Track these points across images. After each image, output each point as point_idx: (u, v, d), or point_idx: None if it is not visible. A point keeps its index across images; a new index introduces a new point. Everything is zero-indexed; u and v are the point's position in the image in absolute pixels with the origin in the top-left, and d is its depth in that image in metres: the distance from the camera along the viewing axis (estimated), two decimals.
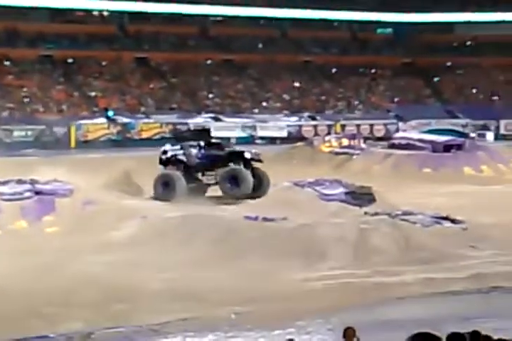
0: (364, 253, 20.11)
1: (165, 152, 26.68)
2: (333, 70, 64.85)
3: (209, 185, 26.61)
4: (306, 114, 58.23)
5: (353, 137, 44.87)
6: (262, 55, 63.26)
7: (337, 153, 39.96)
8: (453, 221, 23.51)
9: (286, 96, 61.54)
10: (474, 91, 64.89)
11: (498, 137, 57.21)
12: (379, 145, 42.97)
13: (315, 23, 65.96)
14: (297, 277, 18.20)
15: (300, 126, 56.08)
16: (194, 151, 26.49)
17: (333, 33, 67.03)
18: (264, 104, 60.10)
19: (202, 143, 26.65)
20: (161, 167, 26.67)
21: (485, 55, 65.11)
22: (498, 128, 59.40)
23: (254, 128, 55.29)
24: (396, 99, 62.82)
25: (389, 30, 71.23)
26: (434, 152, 37.83)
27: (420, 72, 66.09)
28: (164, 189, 25.56)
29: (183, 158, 26.46)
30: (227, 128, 54.05)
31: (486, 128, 58.61)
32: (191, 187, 25.89)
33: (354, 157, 38.81)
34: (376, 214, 23.21)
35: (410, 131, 49.79)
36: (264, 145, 49.04)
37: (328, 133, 51.25)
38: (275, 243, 20.23)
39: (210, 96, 60.03)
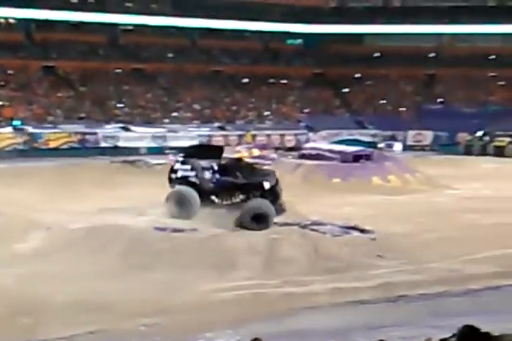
0: (274, 264, 20.10)
1: (174, 171, 24.76)
2: (244, 80, 65.05)
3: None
4: (216, 124, 58.20)
5: (263, 147, 45.02)
6: (173, 65, 63.06)
7: None
8: (361, 231, 23.75)
9: (196, 106, 61.41)
10: (383, 102, 65.94)
11: (405, 148, 58.19)
12: (289, 155, 43.24)
13: (226, 33, 66.09)
14: (207, 288, 18.05)
15: (211, 136, 55.99)
16: (208, 175, 24.47)
17: (244, 43, 67.28)
18: (175, 113, 59.82)
19: (215, 167, 24.54)
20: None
21: (393, 67, 66.31)
22: (405, 138, 60.45)
23: (164, 138, 54.94)
24: (306, 110, 63.35)
25: (299, 41, 71.87)
26: (344, 162, 38.15)
27: (330, 83, 66.88)
28: (179, 207, 23.62)
29: (195, 180, 24.38)
30: (136, 139, 53.55)
31: (393, 138, 59.56)
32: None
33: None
34: (286, 224, 23.28)
35: (320, 142, 50.17)
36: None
37: (239, 144, 51.28)
38: (185, 254, 20.04)
39: (120, 105, 59.45)
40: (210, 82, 63.39)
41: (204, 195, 23.97)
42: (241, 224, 23.22)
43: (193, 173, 24.28)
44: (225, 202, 24.22)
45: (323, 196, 31.74)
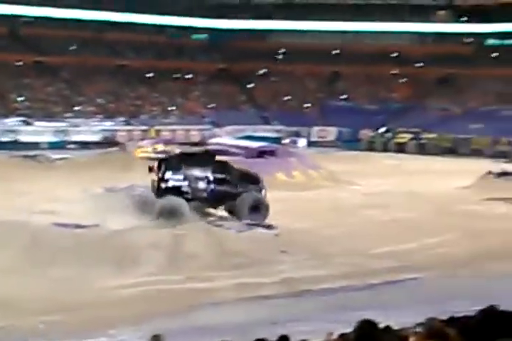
0: (178, 259, 20.00)
1: (165, 180, 23.95)
2: (149, 75, 64.49)
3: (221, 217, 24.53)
4: (120, 119, 57.54)
5: (168, 142, 44.72)
6: (75, 58, 62.00)
7: (152, 159, 39.57)
8: (265, 226, 23.84)
9: (100, 101, 60.58)
10: (287, 98, 66.35)
11: (309, 144, 58.70)
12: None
13: (131, 26, 65.37)
14: (110, 284, 17.82)
15: (114, 131, 55.33)
16: (202, 185, 24.18)
17: (148, 37, 66.64)
18: (77, 108, 58.88)
19: (211, 177, 24.36)
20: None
21: (297, 63, 66.77)
22: (309, 134, 60.97)
23: (66, 132, 54.02)
24: (211, 105, 63.25)
25: (204, 36, 71.69)
26: (248, 158, 38.17)
27: (235, 79, 66.93)
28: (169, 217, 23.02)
29: (187, 189, 24.02)
30: (37, 133, 52.49)
31: (298, 134, 60.01)
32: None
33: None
34: (191, 220, 23.16)
35: (225, 137, 50.17)
36: (76, 150, 47.99)
37: (143, 139, 50.81)
38: (87, 250, 19.73)
39: (20, 99, 58.18)
40: (114, 76, 62.67)
41: (197, 205, 23.85)
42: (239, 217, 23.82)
43: (185, 183, 23.93)
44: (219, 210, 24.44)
45: None
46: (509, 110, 58.46)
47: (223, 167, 25.03)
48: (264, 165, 37.37)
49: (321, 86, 68.07)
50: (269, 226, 23.85)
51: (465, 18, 69.26)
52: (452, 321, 11.76)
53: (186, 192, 23.84)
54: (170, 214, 22.99)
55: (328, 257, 21.48)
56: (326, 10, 69.23)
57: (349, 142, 58.76)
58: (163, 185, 23.89)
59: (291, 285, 18.81)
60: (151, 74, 63.93)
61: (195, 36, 71.33)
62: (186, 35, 69.75)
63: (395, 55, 68.98)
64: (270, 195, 31.36)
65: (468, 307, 16.02)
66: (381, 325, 10.63)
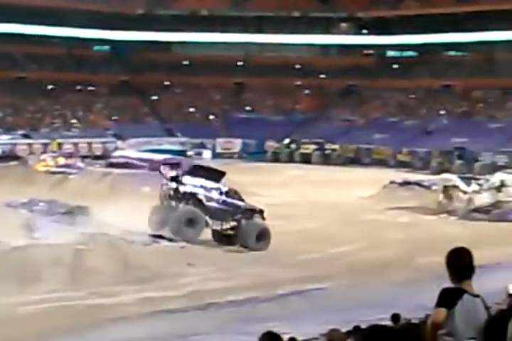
0: (80, 275, 19.54)
1: (181, 183, 24.32)
2: (49, 87, 63.31)
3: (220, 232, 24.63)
4: (20, 132, 56.20)
5: (70, 156, 43.94)
6: None
7: (53, 173, 38.82)
8: (171, 239, 23.56)
9: None
10: (191, 110, 66.13)
11: (214, 155, 58.55)
12: (97, 164, 42.40)
13: (29, 38, 64.04)
14: (10, 301, 17.27)
15: (14, 145, 53.97)
16: (215, 195, 24.53)
17: (48, 49, 65.39)
18: None
19: (224, 189, 24.81)
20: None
21: (201, 75, 66.63)
22: (214, 146, 60.85)
23: None
24: (114, 118, 62.49)
25: (106, 47, 70.87)
26: (153, 170, 37.79)
27: (138, 91, 66.33)
28: (188, 227, 23.37)
29: (202, 197, 24.30)
30: None
31: (203, 146, 59.78)
32: None
33: (71, 176, 37.88)
34: (94, 234, 22.67)
35: (129, 150, 49.61)
36: None
37: (44, 152, 49.70)
38: None
39: None
40: (12, 89, 61.25)
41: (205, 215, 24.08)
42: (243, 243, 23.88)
43: (201, 190, 24.30)
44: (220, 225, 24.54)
45: (132, 205, 31.20)
46: (410, 121, 59.59)
47: (231, 188, 25.68)
48: None
49: (225, 97, 68.07)
50: (174, 239, 23.57)
51: (366, 31, 70.41)
52: (356, 331, 11.74)
53: (201, 200, 24.17)
54: (189, 223, 23.45)
55: (234, 269, 21.34)
56: (229, 22, 69.37)
57: (254, 153, 58.87)
58: (181, 188, 24.18)
59: (197, 298, 18.59)
60: (51, 87, 62.82)
61: (96, 48, 70.45)
62: (88, 47, 68.80)
63: (298, 66, 69.55)
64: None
65: (375, 316, 16.15)
66: (287, 336, 10.52)
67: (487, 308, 5.28)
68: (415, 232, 27.95)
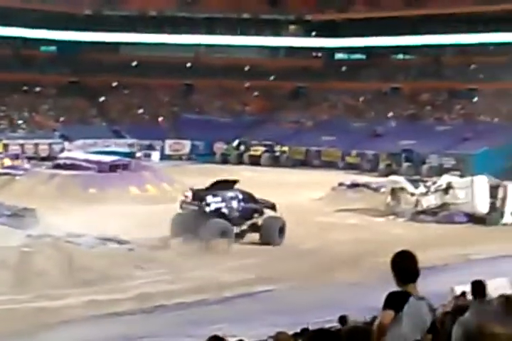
0: (26, 278, 19.27)
1: (207, 204, 25.69)
2: None
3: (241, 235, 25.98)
4: None
5: (16, 157, 43.41)
6: None
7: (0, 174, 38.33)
8: (119, 241, 23.36)
9: None
10: (140, 111, 65.74)
11: (163, 157, 58.30)
12: (44, 165, 41.90)
13: None
14: None
15: None
16: (235, 204, 26.18)
17: None
18: None
19: (240, 196, 26.44)
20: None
21: (150, 76, 66.29)
22: (163, 148, 60.58)
23: None
24: (61, 119, 61.82)
25: (53, 48, 70.09)
26: (100, 172, 37.50)
27: (86, 92, 65.70)
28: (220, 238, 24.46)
29: (225, 211, 25.81)
30: None
31: (151, 148, 59.48)
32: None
33: (17, 178, 37.39)
34: (40, 236, 22.40)
35: (76, 151, 49.14)
36: None
37: None
38: None
39: None
40: None
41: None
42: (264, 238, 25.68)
43: (223, 204, 25.83)
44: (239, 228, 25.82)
45: (79, 207, 30.92)
46: (358, 123, 59.95)
47: (243, 191, 27.21)
48: (116, 180, 36.84)
49: (174, 99, 67.73)
50: (122, 241, 23.39)
51: (315, 33, 70.71)
52: (304, 333, 11.73)
53: (224, 214, 25.72)
54: (222, 235, 24.51)
55: (183, 271, 21.24)
56: (178, 23, 69.05)
57: (203, 155, 58.73)
58: (207, 209, 25.58)
59: (144, 301, 18.46)
60: None
61: (43, 48, 69.62)
62: (34, 47, 67.96)
63: (247, 68, 69.55)
64: (123, 209, 30.91)
65: (323, 318, 16.19)
66: (234, 339, 10.47)
67: (432, 310, 5.31)
68: (363, 234, 28.11)
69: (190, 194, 26.49)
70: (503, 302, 6.90)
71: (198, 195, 26.07)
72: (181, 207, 26.51)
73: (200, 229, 24.44)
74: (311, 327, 12.39)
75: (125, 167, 38.59)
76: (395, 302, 5.06)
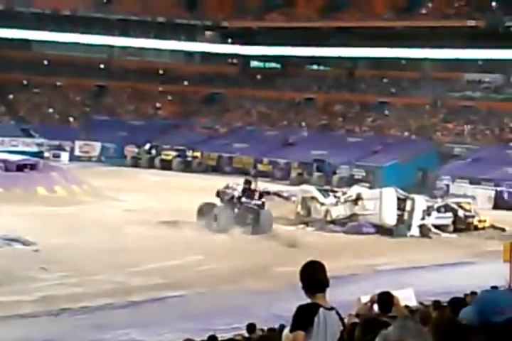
0: None
1: (241, 203, 30.86)
2: None
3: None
4: None
5: None
6: None
7: None
8: (24, 242, 22.86)
9: None
10: (50, 110, 64.63)
11: (72, 158, 57.41)
12: None
13: None
14: None
15: None
16: (256, 200, 31.19)
17: None
18: None
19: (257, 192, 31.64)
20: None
21: (62, 75, 65.35)
22: (73, 149, 59.64)
23: None
24: None
25: None
26: (7, 171, 36.68)
27: None
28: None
29: (253, 206, 30.91)
30: None
31: (61, 148, 58.50)
32: None
33: None
34: None
35: None
36: None
37: None
38: None
39: None
40: None
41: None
42: None
43: (250, 200, 30.84)
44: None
45: None
46: (271, 131, 60.21)
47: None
48: (24, 180, 36.08)
49: (86, 100, 66.83)
50: (27, 242, 22.88)
51: (231, 40, 70.81)
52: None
53: (253, 208, 30.55)
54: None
55: (90, 274, 20.86)
56: (92, 23, 68.12)
57: (114, 158, 58.03)
58: (243, 208, 30.64)
59: (49, 304, 18.05)
60: None
61: None
62: None
63: (161, 72, 69.16)
64: (30, 210, 30.27)
65: (231, 325, 16.11)
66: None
67: (341, 319, 5.29)
68: (273, 242, 28.12)
69: (238, 191, 31.20)
70: (423, 319, 6.94)
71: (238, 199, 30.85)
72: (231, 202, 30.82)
73: (260, 219, 29.99)
74: (218, 335, 12.30)
75: (33, 167, 37.82)
76: (304, 318, 5.02)
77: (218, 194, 31.87)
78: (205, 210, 30.53)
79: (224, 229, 29.03)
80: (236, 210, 30.58)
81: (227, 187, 32.34)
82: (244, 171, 53.30)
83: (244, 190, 31.24)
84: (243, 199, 30.76)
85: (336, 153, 52.09)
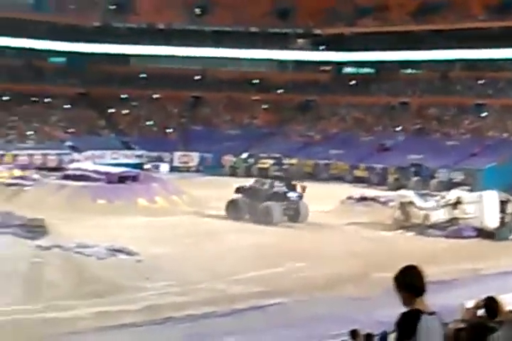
0: (35, 288, 19.22)
1: (287, 197, 34.40)
2: (5, 98, 62.65)
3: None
4: None
5: (25, 167, 43.42)
6: None
7: (8, 184, 38.33)
8: (128, 253, 23.35)
9: None
10: (149, 123, 65.88)
11: (172, 169, 58.35)
12: (53, 176, 41.89)
13: None
14: None
15: None
16: (294, 196, 34.83)
17: (4, 59, 64.75)
18: None
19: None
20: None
21: (159, 88, 66.54)
22: (172, 160, 60.64)
23: None
24: (70, 130, 61.99)
25: (62, 59, 70.35)
26: (109, 183, 37.50)
27: (95, 103, 65.90)
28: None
29: (295, 199, 34.62)
30: None
31: (160, 159, 59.56)
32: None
33: (26, 188, 37.42)
34: (49, 247, 22.39)
35: (85, 162, 49.16)
36: None
37: None
38: None
39: None
40: None
41: None
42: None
43: (292, 193, 34.81)
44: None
45: (88, 218, 30.94)
46: (367, 137, 59.99)
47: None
48: (125, 191, 36.84)
49: (183, 111, 67.88)
50: (131, 253, 23.38)
51: (323, 47, 70.85)
52: None
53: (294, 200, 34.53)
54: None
55: (193, 283, 21.20)
56: (187, 36, 69.25)
57: (212, 167, 58.67)
58: (288, 201, 34.32)
59: (153, 313, 18.40)
60: (7, 98, 62.16)
61: (52, 59, 69.85)
62: (44, 58, 68.16)
63: (255, 81, 69.70)
64: (132, 221, 30.97)
65: (333, 331, 16.14)
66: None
67: (443, 325, 5.27)
68: (372, 248, 28.02)
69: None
70: None
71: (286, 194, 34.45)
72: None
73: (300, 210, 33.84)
74: None
75: (134, 178, 38.57)
76: (409, 326, 5.01)
77: (238, 190, 36.19)
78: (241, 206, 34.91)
79: (277, 223, 32.60)
80: (284, 203, 33.83)
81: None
82: (341, 178, 53.28)
83: (287, 186, 35.14)
84: (289, 194, 34.29)
85: (433, 156, 51.48)
